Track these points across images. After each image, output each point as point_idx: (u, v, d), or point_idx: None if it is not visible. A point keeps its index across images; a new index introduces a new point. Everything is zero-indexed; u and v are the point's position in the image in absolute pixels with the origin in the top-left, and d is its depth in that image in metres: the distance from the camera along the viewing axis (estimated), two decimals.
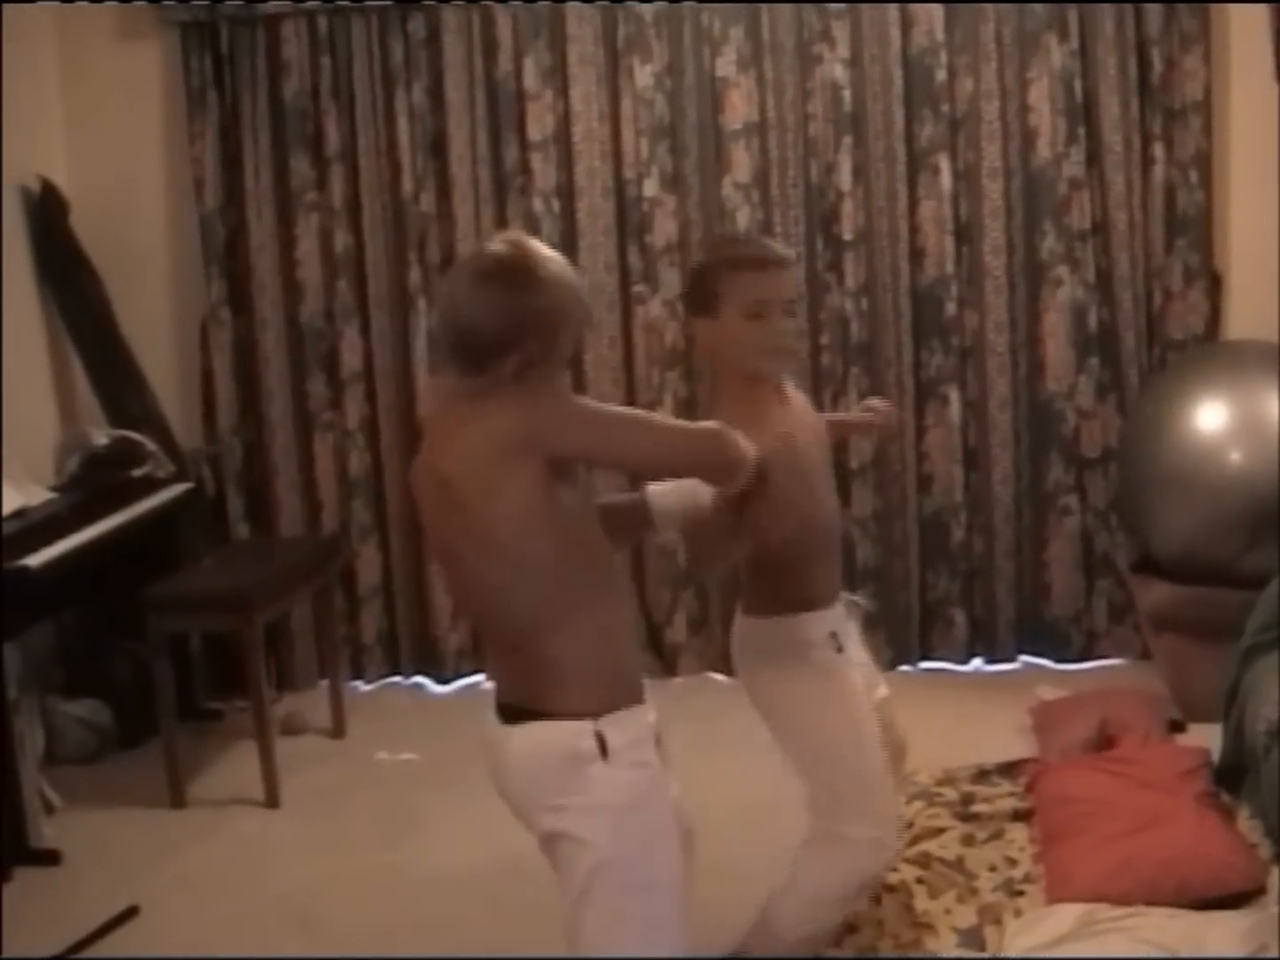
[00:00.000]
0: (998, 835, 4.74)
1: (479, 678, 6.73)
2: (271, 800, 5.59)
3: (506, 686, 3.13)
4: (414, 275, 6.55)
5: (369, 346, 6.65)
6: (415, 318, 6.56)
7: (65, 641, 6.31)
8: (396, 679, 6.86)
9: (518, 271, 2.97)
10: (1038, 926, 4.06)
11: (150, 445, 6.25)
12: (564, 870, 3.05)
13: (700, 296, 3.68)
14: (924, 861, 4.55)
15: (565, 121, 6.43)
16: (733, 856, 4.50)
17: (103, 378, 6.51)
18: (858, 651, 3.96)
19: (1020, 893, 4.37)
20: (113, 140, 6.67)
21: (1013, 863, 4.57)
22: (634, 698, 3.07)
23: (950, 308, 6.38)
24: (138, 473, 6.14)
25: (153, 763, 5.69)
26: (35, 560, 5.24)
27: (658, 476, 3.41)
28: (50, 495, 5.91)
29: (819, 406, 6.44)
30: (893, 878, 4.35)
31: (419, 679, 6.86)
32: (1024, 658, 6.59)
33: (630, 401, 6.49)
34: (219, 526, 6.67)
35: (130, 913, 4.73)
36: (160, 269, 6.76)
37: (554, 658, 2.99)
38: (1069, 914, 4.07)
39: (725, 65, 6.34)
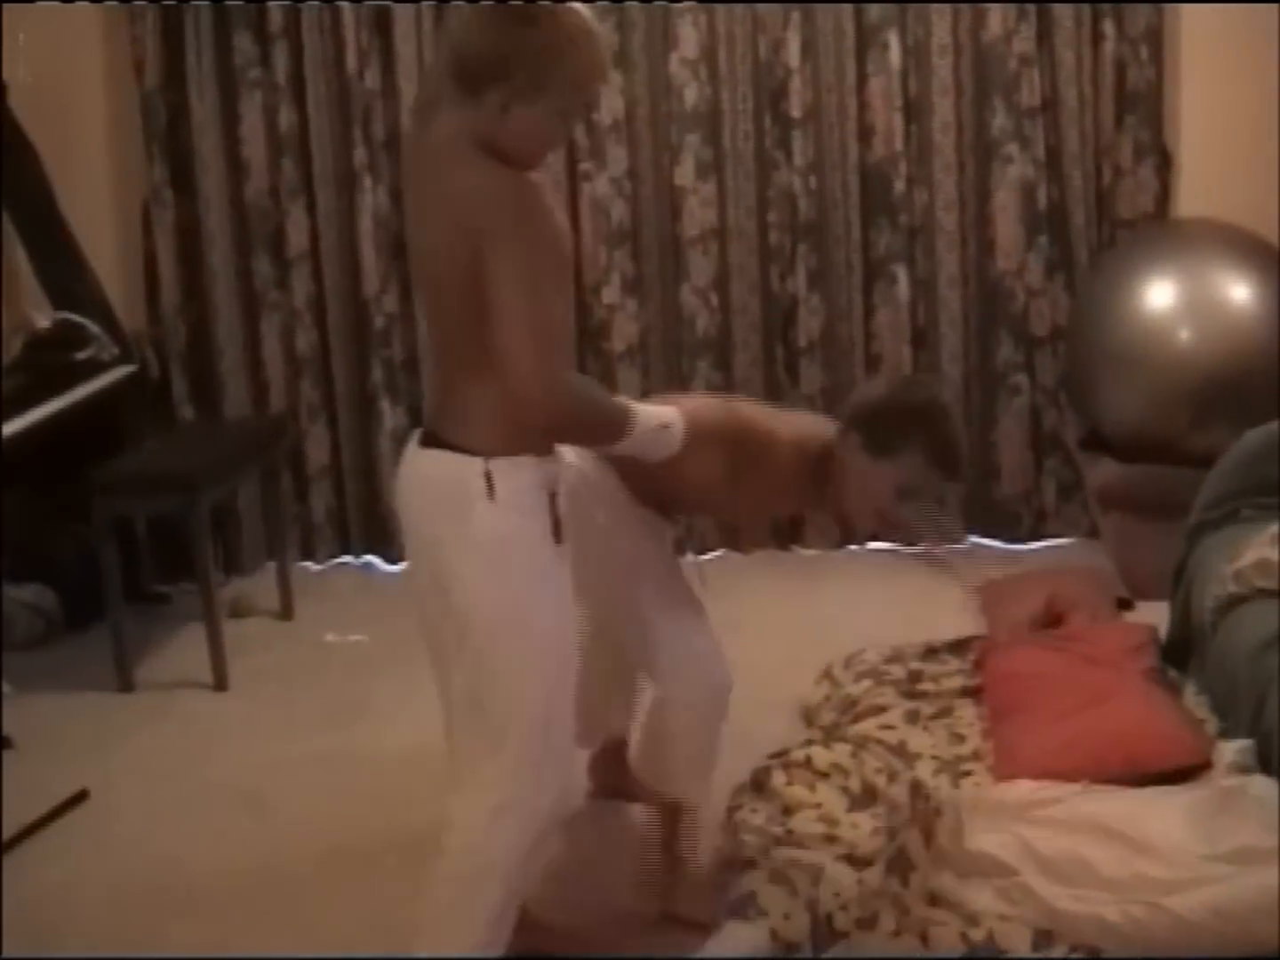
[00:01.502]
0: (945, 713, 4.76)
1: None
2: (220, 683, 5.58)
3: (432, 415, 3.22)
4: (359, 153, 6.46)
5: (315, 225, 6.58)
6: (361, 195, 6.49)
7: (9, 526, 6.26)
8: (346, 559, 6.84)
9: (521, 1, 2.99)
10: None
11: (93, 328, 6.18)
12: (447, 622, 3.19)
13: (883, 441, 3.62)
14: (861, 742, 4.55)
15: None
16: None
17: (44, 260, 6.42)
18: None
19: (968, 773, 4.38)
20: (51, 20, 6.54)
21: (960, 739, 4.59)
22: (540, 449, 3.12)
23: (899, 186, 6.34)
24: (81, 356, 6.07)
25: (100, 647, 5.67)
26: None
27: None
28: None
29: (765, 285, 6.45)
30: (825, 758, 4.38)
31: (369, 558, 6.84)
32: (973, 538, 6.61)
33: (577, 281, 6.45)
34: (163, 409, 6.62)
35: (79, 797, 4.71)
36: (101, 150, 6.66)
37: (475, 396, 3.07)
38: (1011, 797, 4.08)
39: None
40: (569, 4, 3.02)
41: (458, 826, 3.26)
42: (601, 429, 3.22)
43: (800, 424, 3.86)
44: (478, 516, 3.06)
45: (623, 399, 3.29)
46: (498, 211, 2.94)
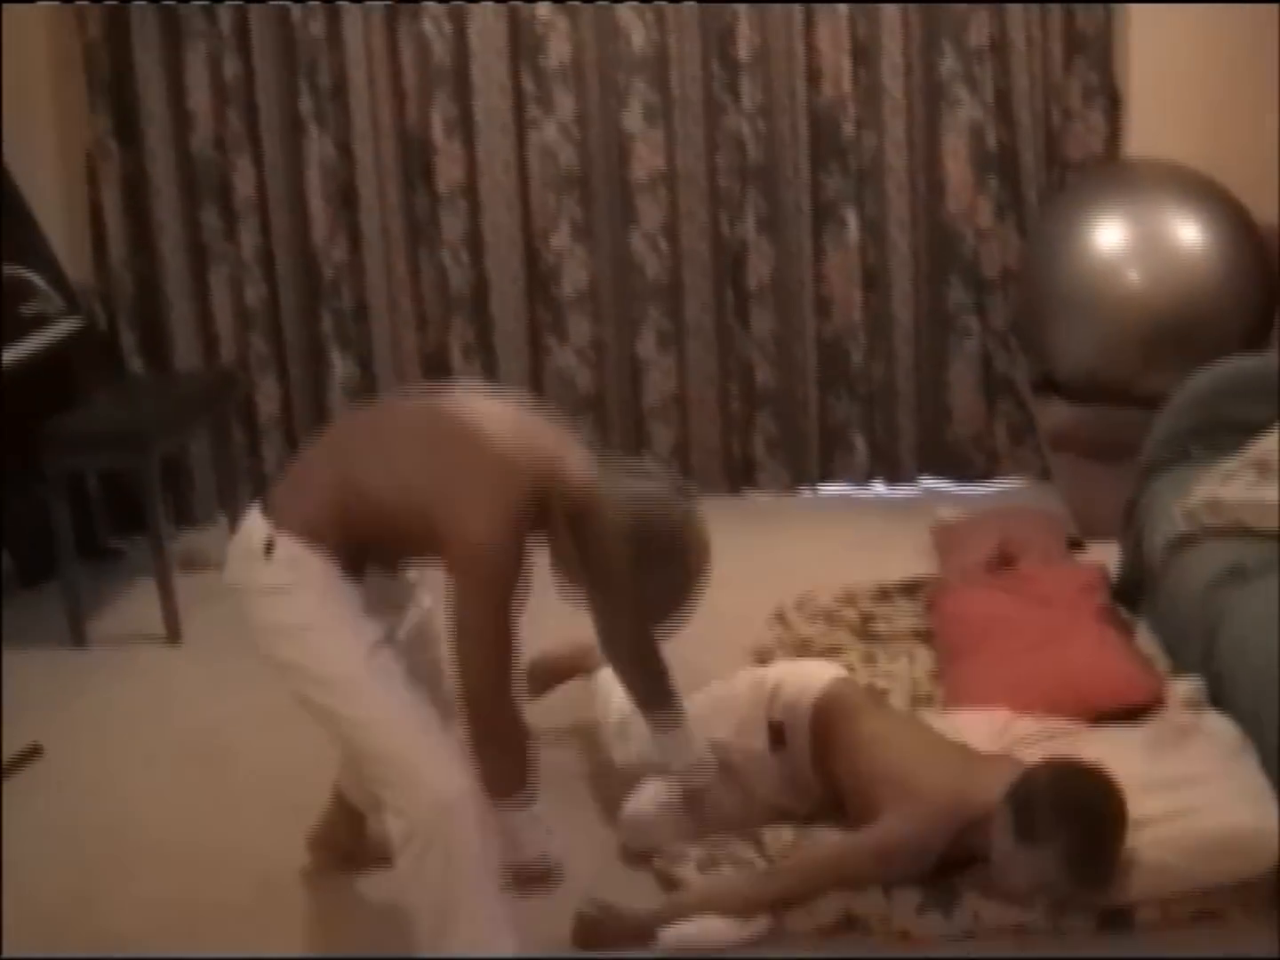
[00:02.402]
0: (898, 655, 4.78)
1: None
2: (173, 636, 5.57)
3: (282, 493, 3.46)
4: (305, 102, 6.41)
5: (262, 176, 6.53)
6: (308, 145, 6.44)
7: None
8: None
9: None
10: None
11: (39, 282, 6.12)
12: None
13: (1028, 826, 3.50)
14: None
15: None
16: None
17: None
18: None
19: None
20: None
21: (913, 682, 4.61)
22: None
23: (848, 129, 6.32)
24: (27, 310, 6.01)
25: (53, 603, 5.65)
26: None
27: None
28: None
29: (715, 230, 6.44)
30: None
31: None
32: (925, 481, 6.62)
33: (526, 227, 6.44)
34: (112, 362, 6.58)
35: (34, 752, 4.71)
36: (44, 101, 6.58)
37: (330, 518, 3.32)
38: (981, 728, 4.10)
39: None
40: None
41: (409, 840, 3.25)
42: (505, 779, 3.28)
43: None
44: (257, 570, 3.31)
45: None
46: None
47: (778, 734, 3.90)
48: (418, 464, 3.28)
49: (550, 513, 3.31)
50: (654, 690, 3.83)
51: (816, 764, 3.88)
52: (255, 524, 3.34)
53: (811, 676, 4.02)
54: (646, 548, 3.32)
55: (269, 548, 3.26)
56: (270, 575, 3.28)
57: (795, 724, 3.89)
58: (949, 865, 3.62)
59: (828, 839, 3.82)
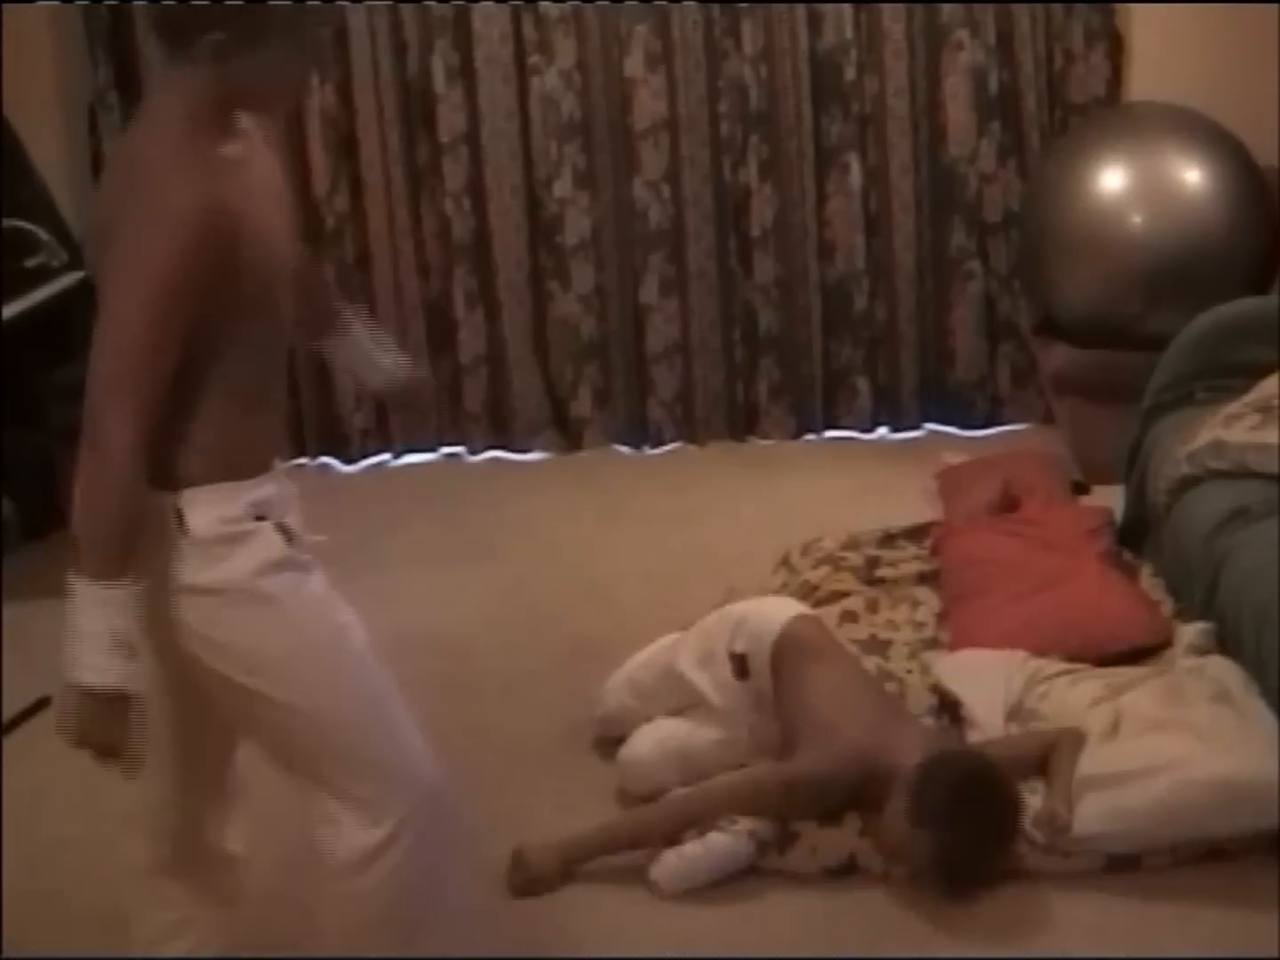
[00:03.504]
0: (903, 599, 4.79)
1: (385, 457, 6.74)
2: None
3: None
4: None
5: None
6: (309, 94, 6.41)
7: None
8: (302, 460, 6.82)
9: None
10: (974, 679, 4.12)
11: (42, 234, 6.12)
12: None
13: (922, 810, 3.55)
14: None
15: None
16: (643, 623, 4.56)
17: None
18: None
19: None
20: None
21: (919, 626, 4.62)
22: (234, 473, 2.75)
23: (850, 73, 6.30)
24: (30, 263, 6.01)
25: (58, 554, 5.63)
26: None
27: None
28: None
29: (717, 176, 6.43)
30: None
31: (326, 460, 6.84)
32: (929, 425, 6.63)
33: (528, 175, 6.43)
34: None
35: (42, 704, 4.71)
36: (44, 53, 6.57)
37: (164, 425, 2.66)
38: (997, 666, 4.14)
39: None
40: None
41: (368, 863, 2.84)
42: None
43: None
44: (178, 558, 2.70)
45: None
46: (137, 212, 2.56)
47: (741, 665, 3.95)
48: None
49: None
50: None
51: (776, 696, 3.93)
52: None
53: (775, 612, 4.07)
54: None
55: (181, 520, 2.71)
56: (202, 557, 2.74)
57: (758, 657, 3.94)
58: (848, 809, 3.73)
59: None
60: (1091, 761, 3.69)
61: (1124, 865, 3.57)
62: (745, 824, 3.66)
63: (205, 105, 2.59)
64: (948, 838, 3.50)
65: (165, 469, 2.68)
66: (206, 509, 2.71)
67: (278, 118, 2.82)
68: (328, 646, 2.86)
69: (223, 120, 2.64)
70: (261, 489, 2.80)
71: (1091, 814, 3.58)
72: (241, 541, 2.74)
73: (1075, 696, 3.95)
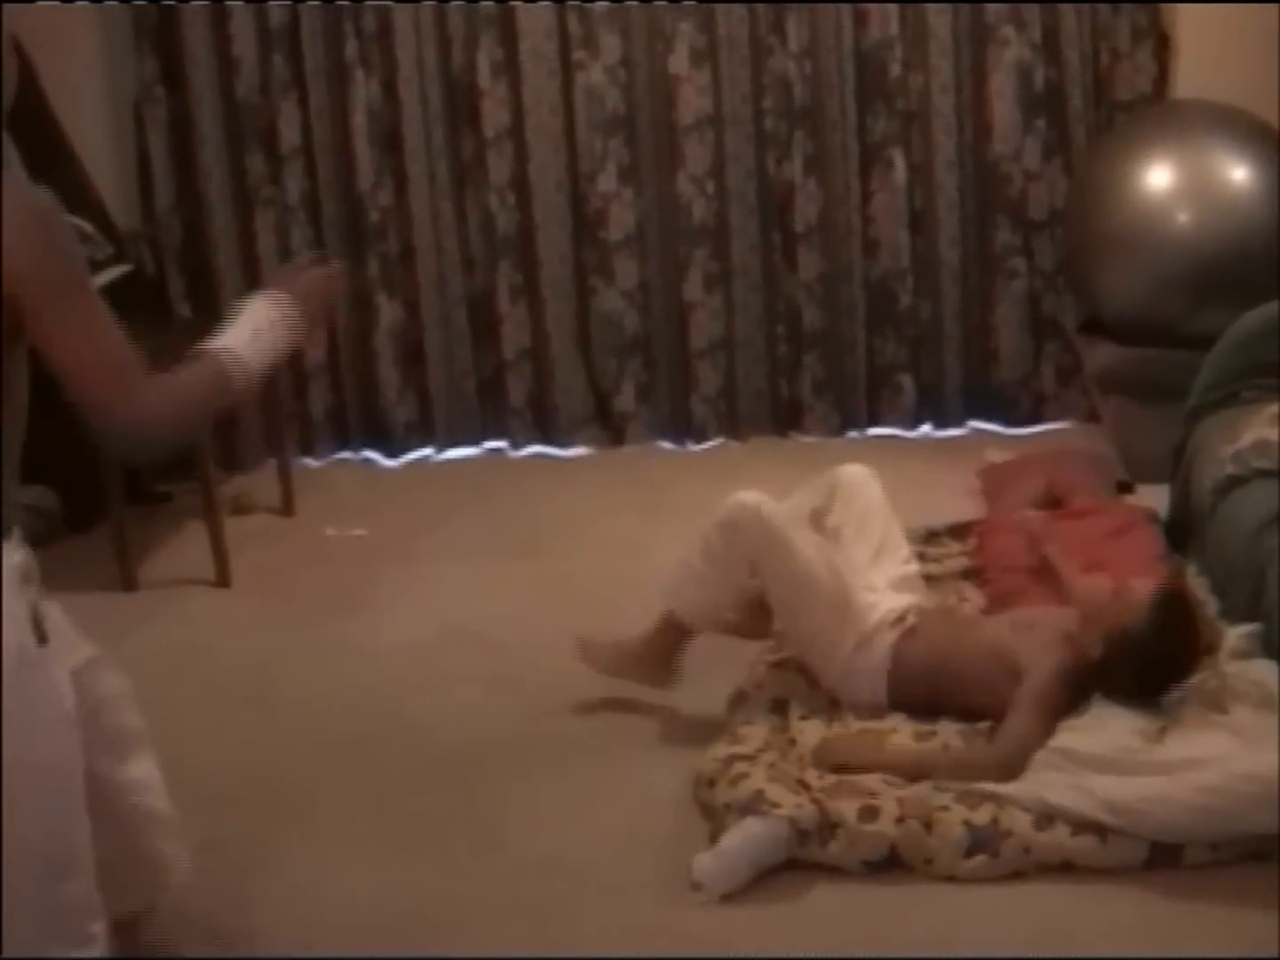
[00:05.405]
0: (948, 595, 4.78)
1: (427, 451, 6.76)
2: (222, 579, 5.60)
3: None
4: (350, 46, 6.41)
5: (307, 120, 6.53)
6: (353, 90, 6.43)
7: None
8: (345, 454, 6.84)
9: None
10: None
11: (87, 228, 6.14)
12: None
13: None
14: None
15: None
16: None
17: (36, 160, 6.35)
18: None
19: None
20: None
21: None
22: None
23: (895, 70, 6.29)
24: None
25: (102, 547, 5.68)
26: None
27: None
28: None
29: (762, 171, 6.42)
30: None
31: (368, 453, 6.84)
32: (972, 423, 6.61)
33: (573, 170, 6.44)
34: (160, 307, 6.60)
35: None
36: (91, 48, 6.59)
37: None
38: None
39: None
40: None
41: None
42: (215, 397, 2.72)
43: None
44: None
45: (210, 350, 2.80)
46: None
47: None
48: None
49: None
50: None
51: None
52: None
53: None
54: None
55: None
56: None
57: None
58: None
59: (954, 742, 4.03)
60: (1136, 757, 3.68)
61: (1166, 859, 3.56)
62: (785, 809, 3.65)
63: None
64: (1173, 648, 3.91)
65: None
66: None
67: None
68: None
69: None
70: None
71: (1137, 793, 3.56)
72: None
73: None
